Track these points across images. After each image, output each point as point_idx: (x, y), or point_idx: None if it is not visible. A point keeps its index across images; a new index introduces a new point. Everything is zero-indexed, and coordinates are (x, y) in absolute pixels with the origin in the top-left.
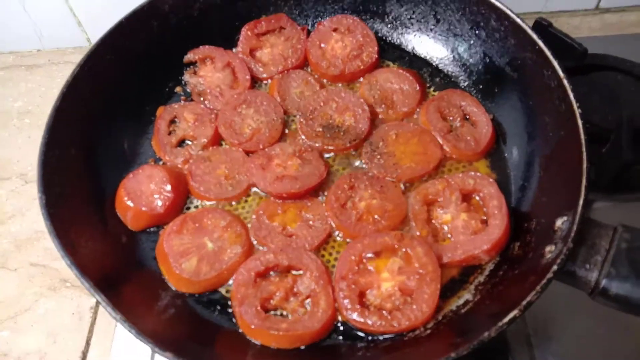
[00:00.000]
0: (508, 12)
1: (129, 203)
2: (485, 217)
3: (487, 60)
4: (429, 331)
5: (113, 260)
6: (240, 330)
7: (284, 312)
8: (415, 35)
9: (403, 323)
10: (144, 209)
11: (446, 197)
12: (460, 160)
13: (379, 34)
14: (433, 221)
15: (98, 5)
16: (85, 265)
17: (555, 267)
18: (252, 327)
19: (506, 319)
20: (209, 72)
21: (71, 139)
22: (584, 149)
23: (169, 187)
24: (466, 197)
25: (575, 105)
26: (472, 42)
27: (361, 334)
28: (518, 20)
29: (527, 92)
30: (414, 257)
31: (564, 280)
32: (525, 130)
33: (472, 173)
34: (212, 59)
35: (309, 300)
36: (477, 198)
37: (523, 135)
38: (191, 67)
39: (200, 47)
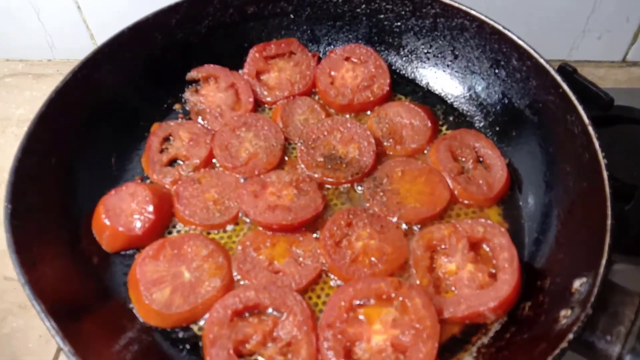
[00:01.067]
0: (531, 51)
1: (106, 221)
2: (494, 270)
3: (506, 101)
4: None
5: (79, 284)
6: None
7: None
8: (431, 70)
9: None
10: (121, 229)
11: (452, 245)
12: (470, 206)
13: (393, 67)
14: (436, 270)
15: (112, 17)
16: (43, 287)
17: (571, 336)
18: None
19: None
20: (211, 91)
21: (53, 148)
22: (608, 204)
23: (151, 208)
24: (474, 246)
25: (600, 155)
26: (490, 81)
27: None
28: (542, 60)
29: (548, 138)
30: (411, 308)
31: (580, 352)
32: (544, 178)
33: (482, 220)
34: (216, 79)
35: (289, 347)
36: (487, 248)
37: (541, 183)
38: (193, 85)
39: (205, 65)
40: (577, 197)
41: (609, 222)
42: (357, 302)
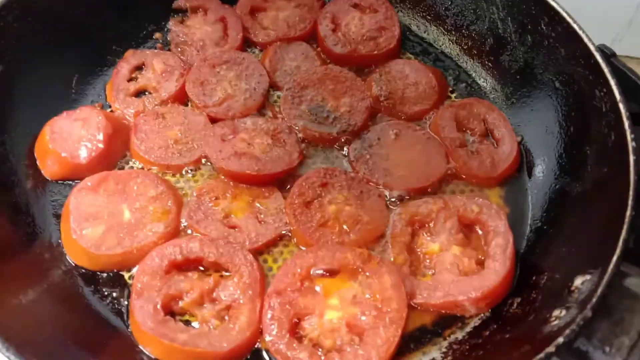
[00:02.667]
0: (564, 15)
1: (50, 145)
2: (483, 258)
3: (528, 71)
4: None
5: (2, 214)
6: (130, 334)
7: (193, 323)
8: (447, 29)
9: None
10: (64, 154)
11: (439, 222)
12: (468, 183)
13: (405, 22)
14: (415, 249)
15: None
16: None
17: (560, 340)
18: (143, 328)
19: None
20: (197, 23)
21: (1, 52)
22: (631, 192)
23: (101, 136)
24: (465, 228)
25: (629, 135)
26: (514, 46)
27: None
28: (575, 26)
29: (570, 115)
30: (377, 287)
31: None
32: (558, 160)
33: (479, 199)
34: (205, 10)
35: (228, 312)
36: (479, 232)
37: (554, 166)
38: (180, 14)
39: None
40: (593, 184)
41: (628, 212)
42: (316, 270)
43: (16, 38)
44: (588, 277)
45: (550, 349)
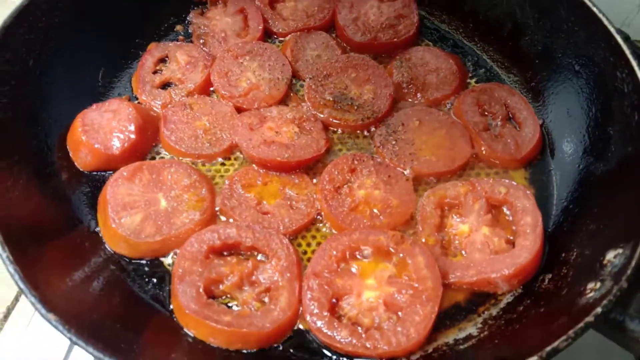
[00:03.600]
0: None
1: (82, 137)
2: (512, 238)
3: (547, 55)
4: None
5: (41, 204)
6: (174, 317)
7: (233, 304)
8: (465, 16)
9: (380, 347)
10: (97, 145)
11: (467, 204)
12: (493, 165)
13: (423, 10)
14: (445, 230)
15: None
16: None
17: (599, 310)
18: (187, 311)
19: None
20: (217, 15)
21: (31, 47)
22: None
23: (132, 127)
24: (493, 209)
25: None
26: (532, 32)
27: (325, 352)
28: (595, 9)
29: (592, 97)
30: (411, 267)
31: (605, 333)
32: (582, 142)
33: (506, 181)
34: (225, 2)
35: (268, 294)
36: (507, 213)
37: (578, 147)
38: (200, 6)
39: None
40: (617, 164)
41: None
42: (352, 253)
43: (44, 32)
44: (620, 250)
45: (589, 318)
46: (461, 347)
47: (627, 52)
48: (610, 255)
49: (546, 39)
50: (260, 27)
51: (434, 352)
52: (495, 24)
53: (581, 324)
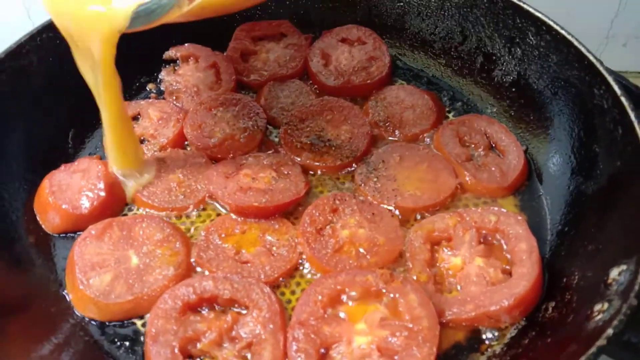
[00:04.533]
0: (551, 23)
1: (49, 198)
2: (508, 267)
3: (522, 82)
4: None
5: (5, 271)
6: None
7: None
8: (436, 53)
9: None
10: (64, 206)
11: (457, 236)
12: (480, 195)
13: (394, 52)
14: (437, 265)
15: None
16: None
17: (610, 331)
18: None
19: None
20: (189, 71)
21: None
22: None
23: (101, 185)
24: (485, 239)
25: (637, 126)
26: (504, 61)
27: None
28: (563, 32)
29: (573, 118)
30: (404, 306)
31: (620, 357)
32: (568, 163)
33: (495, 208)
34: (197, 58)
35: (250, 349)
36: (500, 242)
37: (565, 169)
38: (171, 64)
39: (186, 44)
40: (609, 179)
41: None
42: (339, 297)
43: (10, 95)
44: (624, 267)
45: (601, 342)
46: None
47: (601, 69)
48: (614, 273)
49: (519, 67)
50: (232, 79)
51: None
52: (467, 57)
53: (593, 349)
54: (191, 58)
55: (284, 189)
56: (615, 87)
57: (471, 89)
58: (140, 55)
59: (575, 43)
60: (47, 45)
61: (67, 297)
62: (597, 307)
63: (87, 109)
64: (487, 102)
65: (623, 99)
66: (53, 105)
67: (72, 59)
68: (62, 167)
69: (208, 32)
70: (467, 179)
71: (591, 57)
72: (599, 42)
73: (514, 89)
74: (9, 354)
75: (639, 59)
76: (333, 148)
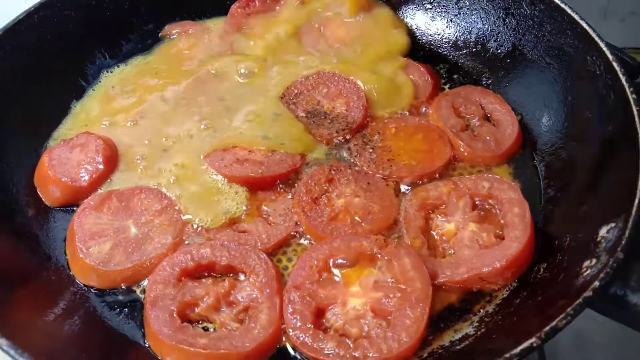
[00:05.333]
0: None
1: (49, 172)
2: (501, 232)
3: (517, 53)
4: None
5: (8, 244)
6: (146, 344)
7: (211, 327)
8: (432, 25)
9: (370, 355)
10: (64, 179)
11: (451, 203)
12: (475, 164)
13: None
14: (431, 231)
15: None
16: None
17: (597, 284)
18: (160, 337)
19: (517, 350)
20: (185, 47)
21: None
22: None
23: (100, 158)
24: (479, 207)
25: (628, 90)
26: (499, 32)
27: None
28: (556, 0)
29: (566, 85)
30: (397, 269)
31: (607, 311)
32: (562, 130)
33: (488, 175)
34: (192, 34)
35: (247, 313)
36: (494, 210)
37: (559, 136)
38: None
39: (182, 22)
40: (601, 143)
41: None
42: (334, 261)
43: (9, 72)
44: (613, 224)
45: (588, 293)
46: (457, 347)
47: (594, 35)
48: (603, 231)
49: (513, 37)
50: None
51: (429, 356)
52: (463, 30)
53: (579, 300)
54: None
55: (280, 161)
56: (608, 53)
57: (467, 61)
58: (136, 32)
59: (569, 11)
60: (45, 23)
61: (67, 267)
62: (586, 263)
63: (84, 84)
64: (482, 74)
65: (615, 65)
66: (51, 81)
67: (69, 36)
68: (61, 142)
69: (202, 9)
70: (462, 149)
71: (584, 25)
72: (597, 18)
73: (509, 60)
74: (14, 322)
75: (636, 35)
76: (329, 121)
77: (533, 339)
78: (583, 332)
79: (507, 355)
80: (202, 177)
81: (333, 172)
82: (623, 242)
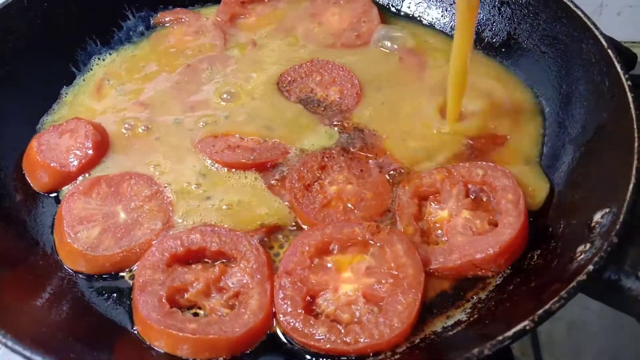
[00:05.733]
0: None
1: (38, 157)
2: (494, 219)
3: (512, 42)
4: (397, 357)
5: None
6: (134, 330)
7: (201, 313)
8: (426, 13)
9: (361, 341)
10: (53, 164)
11: (445, 190)
12: None
13: (384, 15)
14: (425, 219)
15: None
16: None
17: (590, 268)
18: (149, 322)
19: (510, 332)
20: (177, 34)
21: None
22: (635, 125)
23: (89, 143)
24: (473, 194)
25: (623, 77)
26: (494, 21)
27: (304, 354)
28: None
29: (560, 74)
30: (390, 256)
31: (601, 296)
32: (556, 120)
33: (482, 163)
34: (185, 23)
35: (237, 299)
36: (489, 196)
37: (553, 126)
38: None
39: (175, 8)
40: (595, 131)
41: (636, 144)
42: (325, 248)
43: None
44: (607, 210)
45: (582, 277)
46: (450, 333)
47: (589, 23)
48: (597, 216)
49: (509, 26)
50: (222, 43)
51: (421, 342)
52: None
53: (573, 283)
54: (180, 20)
55: (272, 147)
56: (603, 41)
57: None
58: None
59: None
60: (35, 7)
61: (55, 253)
62: (580, 248)
63: (75, 70)
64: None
65: (610, 52)
66: (41, 66)
67: (59, 21)
68: (51, 127)
69: None
70: None
71: (579, 13)
72: (593, 11)
73: (503, 49)
74: (1, 306)
75: (633, 28)
76: (322, 108)
77: (526, 322)
78: (577, 322)
79: (500, 337)
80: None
81: (326, 159)
82: (617, 226)
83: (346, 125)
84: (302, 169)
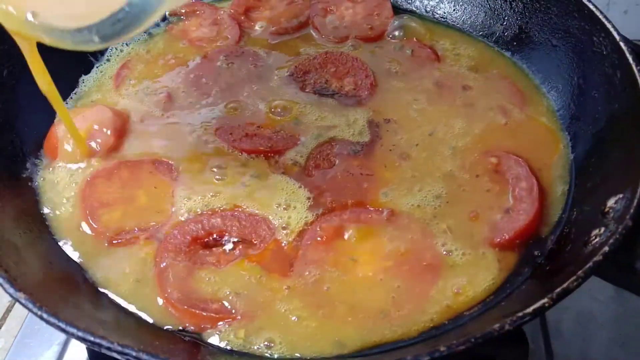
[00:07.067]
0: None
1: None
2: (508, 206)
3: (524, 36)
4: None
5: (18, 209)
6: None
7: None
8: (438, 7)
9: None
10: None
11: None
12: None
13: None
14: None
15: None
16: None
17: (606, 249)
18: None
19: (530, 309)
20: (193, 26)
21: (6, 58)
22: None
23: (109, 131)
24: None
25: (635, 68)
26: (505, 15)
27: None
28: None
29: (572, 67)
30: (405, 242)
31: (615, 279)
32: (568, 111)
33: (495, 151)
34: (200, 14)
35: None
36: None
37: (565, 117)
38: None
39: (191, 1)
40: (607, 121)
41: None
42: (343, 232)
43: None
44: (620, 196)
45: (598, 257)
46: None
47: (601, 16)
48: (611, 202)
49: (520, 20)
50: (237, 36)
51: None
52: (469, 13)
53: (590, 264)
54: (196, 14)
55: (288, 137)
56: (614, 33)
57: (472, 44)
58: None
59: None
60: None
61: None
62: (594, 232)
63: (92, 60)
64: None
65: (622, 44)
66: (60, 56)
67: None
68: (71, 113)
69: None
70: None
71: (591, 6)
72: (600, 9)
73: (515, 43)
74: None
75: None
76: (337, 98)
77: (545, 300)
78: (586, 311)
79: (520, 314)
80: None
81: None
82: (632, 210)
83: None
84: (318, 156)
